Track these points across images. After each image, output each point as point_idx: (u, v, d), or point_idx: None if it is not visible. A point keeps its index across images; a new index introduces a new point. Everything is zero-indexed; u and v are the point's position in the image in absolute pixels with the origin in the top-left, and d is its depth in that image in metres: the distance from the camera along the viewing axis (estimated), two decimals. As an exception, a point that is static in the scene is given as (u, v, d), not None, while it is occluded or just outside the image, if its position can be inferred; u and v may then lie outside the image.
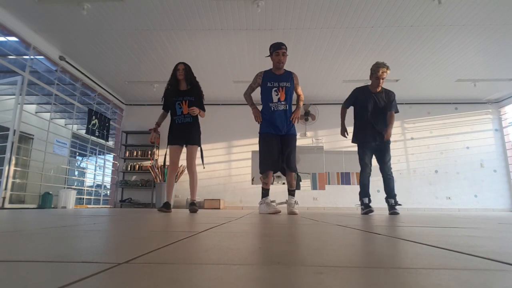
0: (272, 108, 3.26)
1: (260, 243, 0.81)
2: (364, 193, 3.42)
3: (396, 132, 7.34)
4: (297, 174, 3.27)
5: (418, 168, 7.20)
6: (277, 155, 3.23)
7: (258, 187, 7.04)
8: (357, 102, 3.56)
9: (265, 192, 3.29)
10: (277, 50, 3.23)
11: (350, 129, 3.59)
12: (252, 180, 7.17)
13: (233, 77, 6.31)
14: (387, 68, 3.38)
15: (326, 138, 7.33)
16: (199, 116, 3.51)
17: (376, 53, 5.27)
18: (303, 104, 7.37)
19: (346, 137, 3.66)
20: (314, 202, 7.04)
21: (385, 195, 3.43)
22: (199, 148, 3.50)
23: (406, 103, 7.39)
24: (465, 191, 7.02)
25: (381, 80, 3.41)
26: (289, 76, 3.33)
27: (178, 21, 4.48)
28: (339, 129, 3.68)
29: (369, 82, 3.55)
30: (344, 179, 7.15)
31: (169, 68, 6.06)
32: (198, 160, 3.48)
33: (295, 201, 3.27)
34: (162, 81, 6.58)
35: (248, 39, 4.96)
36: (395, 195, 3.39)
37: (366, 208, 3.34)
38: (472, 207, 6.91)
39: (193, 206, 3.36)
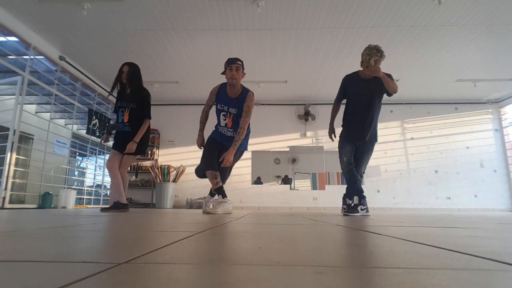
0: (219, 130, 3.15)
1: (260, 243, 0.81)
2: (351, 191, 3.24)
3: (396, 132, 7.35)
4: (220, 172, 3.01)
5: (418, 168, 7.20)
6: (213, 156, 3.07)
7: (258, 188, 7.15)
8: (347, 92, 3.10)
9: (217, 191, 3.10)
10: (231, 64, 2.92)
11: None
12: (252, 180, 7.18)
13: (233, 77, 6.30)
14: (381, 55, 2.76)
15: (326, 138, 7.32)
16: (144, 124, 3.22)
17: (376, 53, 5.27)
18: (303, 105, 7.43)
19: (332, 140, 3.32)
20: (314, 202, 7.04)
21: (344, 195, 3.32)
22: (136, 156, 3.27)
23: (406, 103, 7.40)
24: (465, 191, 7.02)
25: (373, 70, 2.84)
26: (241, 101, 2.99)
27: (178, 21, 4.48)
28: (339, 129, 3.38)
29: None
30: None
31: (169, 68, 6.10)
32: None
33: (215, 200, 3.07)
34: (162, 81, 6.57)
35: (248, 39, 4.96)
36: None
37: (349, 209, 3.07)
38: (472, 207, 6.91)
39: (115, 205, 3.16)
